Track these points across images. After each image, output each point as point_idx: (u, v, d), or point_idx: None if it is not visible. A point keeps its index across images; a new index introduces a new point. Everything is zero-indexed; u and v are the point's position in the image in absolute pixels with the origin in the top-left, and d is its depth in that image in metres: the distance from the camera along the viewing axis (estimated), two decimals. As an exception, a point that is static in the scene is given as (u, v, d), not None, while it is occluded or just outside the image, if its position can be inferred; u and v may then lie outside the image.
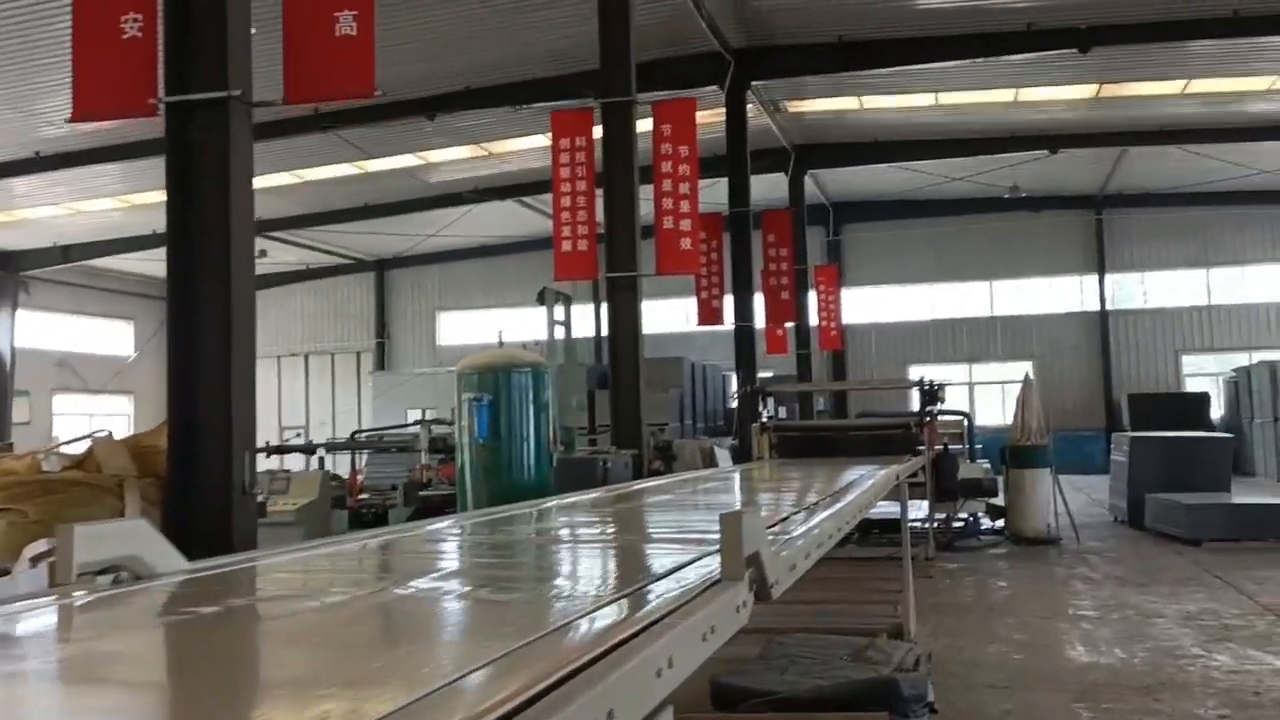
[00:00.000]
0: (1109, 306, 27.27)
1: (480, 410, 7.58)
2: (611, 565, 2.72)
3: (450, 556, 2.99)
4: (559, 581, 2.47)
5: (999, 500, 12.37)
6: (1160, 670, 5.68)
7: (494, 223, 26.82)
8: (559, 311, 11.98)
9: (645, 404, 20.02)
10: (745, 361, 16.96)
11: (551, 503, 4.45)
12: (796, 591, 6.59)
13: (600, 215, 11.08)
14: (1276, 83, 17.92)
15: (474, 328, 30.71)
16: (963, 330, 28.15)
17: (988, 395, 26.98)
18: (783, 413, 17.69)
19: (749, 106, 18.37)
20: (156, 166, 6.52)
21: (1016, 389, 12.96)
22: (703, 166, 19.32)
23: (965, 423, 14.11)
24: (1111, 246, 27.34)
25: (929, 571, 9.49)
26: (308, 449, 11.83)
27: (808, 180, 24.18)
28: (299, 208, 25.37)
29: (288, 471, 9.40)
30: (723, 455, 14.82)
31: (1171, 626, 6.69)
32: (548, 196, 13.12)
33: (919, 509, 11.65)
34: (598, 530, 3.55)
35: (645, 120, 12.03)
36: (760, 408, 10.89)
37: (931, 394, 10.53)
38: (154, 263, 23.15)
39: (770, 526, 3.01)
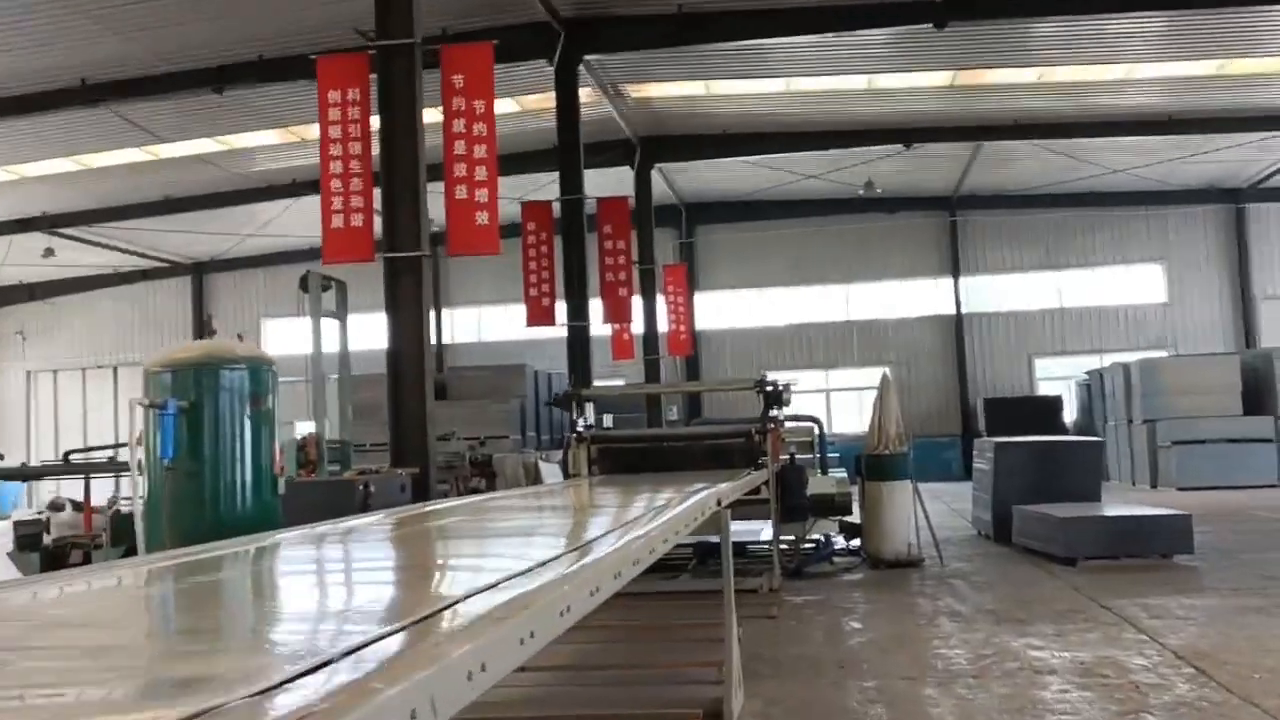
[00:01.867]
0: (964, 310, 26.69)
1: (165, 420, 5.57)
2: None
3: None
4: None
5: (854, 517, 10.90)
6: (1067, 765, 4.13)
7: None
8: (342, 304, 9.98)
9: (485, 414, 17.95)
10: (579, 366, 15.24)
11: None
12: (589, 646, 4.71)
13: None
14: (1132, 71, 17.26)
15: (303, 336, 28.15)
16: (819, 335, 27.15)
17: (845, 402, 25.97)
18: (607, 422, 15.96)
19: (587, 91, 16.75)
20: None
21: (874, 395, 11.33)
22: (541, 159, 17.70)
23: (816, 430, 12.63)
24: (965, 249, 26.84)
25: (771, 609, 7.86)
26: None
27: (659, 180, 22.73)
28: (88, 201, 22.50)
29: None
30: (550, 470, 13.15)
31: (1070, 689, 5.15)
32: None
33: (765, 529, 10.13)
34: None
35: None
36: (575, 416, 9.13)
37: (774, 397, 8.99)
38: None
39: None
